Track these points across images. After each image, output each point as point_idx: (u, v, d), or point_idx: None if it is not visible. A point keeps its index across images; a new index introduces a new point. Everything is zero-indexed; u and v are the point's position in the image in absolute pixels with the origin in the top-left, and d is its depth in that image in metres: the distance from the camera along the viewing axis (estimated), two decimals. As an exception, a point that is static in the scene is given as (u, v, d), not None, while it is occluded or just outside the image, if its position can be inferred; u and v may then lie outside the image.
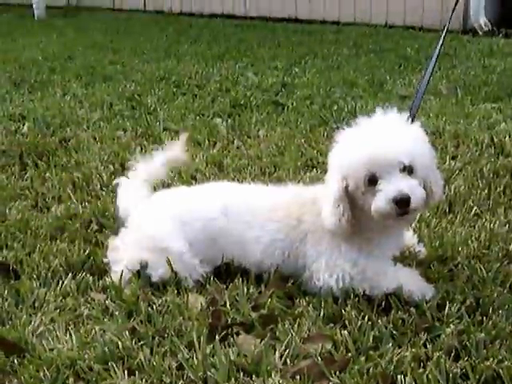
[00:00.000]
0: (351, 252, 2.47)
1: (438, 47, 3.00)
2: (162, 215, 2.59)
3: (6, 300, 2.46)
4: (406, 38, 8.10)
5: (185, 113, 4.99)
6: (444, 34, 3.08)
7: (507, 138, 4.17)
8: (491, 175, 3.57)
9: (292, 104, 5.10)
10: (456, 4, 3.45)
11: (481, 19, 8.74)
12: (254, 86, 5.81)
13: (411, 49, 7.33)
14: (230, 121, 4.71)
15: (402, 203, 2.29)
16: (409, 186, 2.31)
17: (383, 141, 2.34)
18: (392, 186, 2.30)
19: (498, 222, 3.01)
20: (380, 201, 2.31)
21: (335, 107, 4.97)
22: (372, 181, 2.34)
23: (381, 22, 9.21)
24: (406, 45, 7.63)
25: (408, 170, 2.34)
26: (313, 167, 3.74)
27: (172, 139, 4.31)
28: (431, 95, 5.27)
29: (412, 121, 2.56)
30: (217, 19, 10.75)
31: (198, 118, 4.85)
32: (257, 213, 2.57)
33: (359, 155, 2.35)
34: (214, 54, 7.54)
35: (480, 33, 8.58)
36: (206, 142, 4.25)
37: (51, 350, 2.15)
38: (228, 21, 10.52)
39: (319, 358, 2.08)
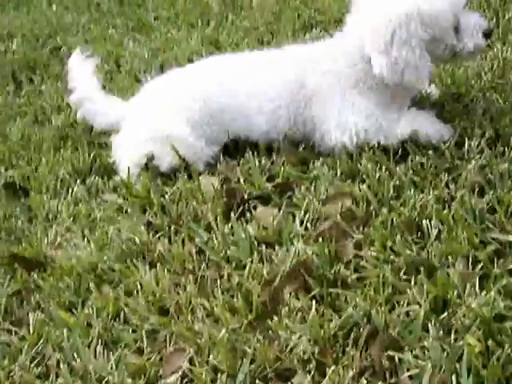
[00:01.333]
0: (367, 105, 2.36)
1: None
2: (158, 102, 2.50)
3: (19, 218, 2.43)
4: None
5: (174, -4, 4.78)
6: None
7: None
8: (498, 2, 3.36)
9: (284, -35, 4.83)
10: None
11: None
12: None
13: None
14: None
15: (489, 34, 2.35)
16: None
17: None
18: (476, 21, 2.30)
19: (510, 49, 2.84)
20: (474, 36, 2.29)
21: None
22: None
23: None
24: None
25: None
26: (311, 27, 3.58)
27: (164, 27, 4.18)
28: None
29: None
30: None
31: (188, -1, 4.65)
32: (255, 81, 2.46)
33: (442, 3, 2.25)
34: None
35: None
36: (200, 22, 4.08)
37: (70, 258, 2.12)
38: None
39: (340, 217, 2.01)
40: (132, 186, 2.40)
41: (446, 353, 1.49)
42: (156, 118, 2.46)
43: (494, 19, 3.18)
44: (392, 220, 1.95)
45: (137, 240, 2.11)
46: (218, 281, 1.89)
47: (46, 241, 2.24)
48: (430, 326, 1.56)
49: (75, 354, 1.75)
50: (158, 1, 4.80)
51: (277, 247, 1.97)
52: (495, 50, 2.89)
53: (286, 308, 1.73)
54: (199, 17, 4.18)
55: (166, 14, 4.42)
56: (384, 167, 2.19)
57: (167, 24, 4.22)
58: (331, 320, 1.67)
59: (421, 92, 2.60)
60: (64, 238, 2.25)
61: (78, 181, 2.56)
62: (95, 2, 5.21)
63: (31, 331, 1.87)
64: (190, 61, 3.45)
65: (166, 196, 2.32)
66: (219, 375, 1.59)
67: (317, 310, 1.70)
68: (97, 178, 2.55)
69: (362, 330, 1.62)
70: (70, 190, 2.51)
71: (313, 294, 1.78)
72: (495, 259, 1.74)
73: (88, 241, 2.19)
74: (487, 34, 2.32)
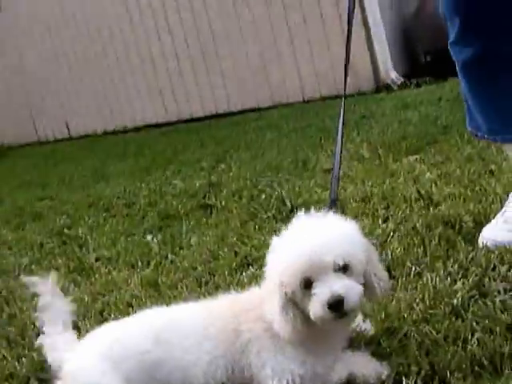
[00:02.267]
0: (298, 352, 2.36)
1: (340, 126, 3.00)
2: (93, 359, 2.46)
3: None
4: (322, 109, 8.20)
5: (115, 236, 4.88)
6: (343, 104, 3.10)
7: (433, 187, 4.18)
8: (424, 230, 3.53)
9: (221, 203, 5.03)
10: (346, 70, 3.39)
11: (392, 74, 8.97)
12: (182, 192, 5.74)
13: (329, 119, 7.41)
14: (160, 235, 4.62)
15: (335, 306, 2.21)
16: (343, 287, 2.22)
17: (314, 243, 2.26)
18: (326, 288, 2.22)
19: (438, 278, 2.95)
20: (315, 307, 2.23)
21: (263, 196, 4.91)
22: (307, 284, 2.26)
23: (298, 99, 9.34)
24: (324, 116, 7.72)
25: (343, 268, 2.26)
26: (248, 265, 3.65)
27: (105, 267, 4.23)
28: (355, 161, 5.30)
29: (335, 203, 2.64)
30: (141, 131, 10.75)
31: (129, 239, 4.76)
32: (191, 335, 2.46)
33: (291, 261, 2.27)
34: (141, 168, 7.50)
35: (394, 87, 8.78)
36: (139, 263, 4.15)
37: None
38: (152, 130, 10.55)
39: None
40: None
41: None
42: (89, 375, 2.42)
43: (422, 247, 3.33)
44: None
45: None
46: None
47: None
48: None
49: None
50: (100, 240, 4.89)
51: None
52: (425, 279, 2.98)
53: None
54: (139, 257, 4.25)
55: (107, 254, 4.48)
56: (322, 418, 2.16)
57: (108, 264, 4.27)
58: None
59: (355, 330, 2.63)
60: None
61: None
62: (39, 241, 5.28)
63: None
64: (129, 305, 3.48)
65: None
66: None
67: None
68: None
69: None
70: None
71: None
72: None
73: None
74: (332, 306, 2.21)
